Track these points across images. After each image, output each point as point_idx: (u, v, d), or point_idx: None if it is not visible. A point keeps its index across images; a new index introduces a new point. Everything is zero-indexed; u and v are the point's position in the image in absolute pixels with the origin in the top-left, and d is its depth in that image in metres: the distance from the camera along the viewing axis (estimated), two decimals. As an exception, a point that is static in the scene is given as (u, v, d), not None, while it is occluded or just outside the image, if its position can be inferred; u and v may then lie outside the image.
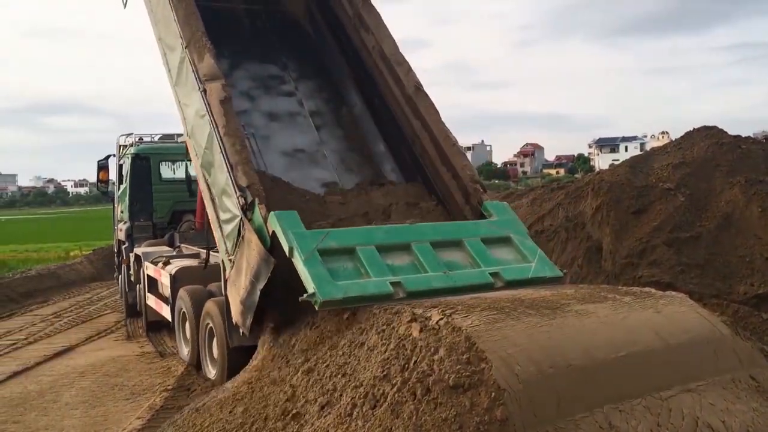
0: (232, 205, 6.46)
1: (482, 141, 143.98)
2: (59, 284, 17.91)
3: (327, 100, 9.11)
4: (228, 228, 6.64)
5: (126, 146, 13.32)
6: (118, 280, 14.02)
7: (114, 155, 14.06)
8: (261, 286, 5.85)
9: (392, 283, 5.52)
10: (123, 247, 12.80)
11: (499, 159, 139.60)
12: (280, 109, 8.83)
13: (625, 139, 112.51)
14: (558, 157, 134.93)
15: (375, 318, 4.58)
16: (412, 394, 3.64)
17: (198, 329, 8.07)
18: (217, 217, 6.92)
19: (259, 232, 6.00)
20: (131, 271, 11.92)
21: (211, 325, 7.60)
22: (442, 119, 7.68)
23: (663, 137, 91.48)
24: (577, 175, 74.04)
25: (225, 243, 6.75)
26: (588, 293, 4.94)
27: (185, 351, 8.82)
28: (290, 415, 4.42)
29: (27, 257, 25.66)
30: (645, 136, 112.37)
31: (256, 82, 9.01)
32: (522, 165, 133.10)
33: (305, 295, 5.42)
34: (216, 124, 6.74)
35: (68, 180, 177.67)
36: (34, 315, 13.66)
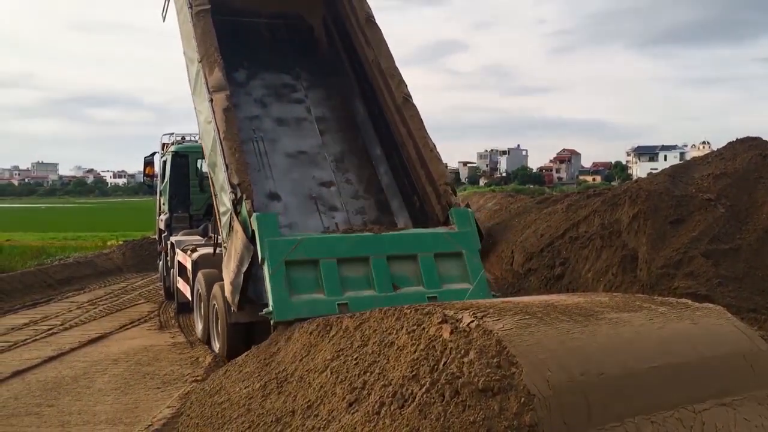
0: (227, 199, 7.45)
1: (518, 145, 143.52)
2: (95, 272, 18.22)
3: (333, 107, 9.91)
4: (224, 219, 7.72)
5: (169, 144, 14.29)
6: (159, 266, 15.05)
7: (158, 152, 15.07)
8: (244, 269, 6.97)
9: (339, 305, 6.70)
10: (163, 236, 13.84)
11: (534, 164, 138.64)
12: (288, 115, 9.64)
13: (664, 148, 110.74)
14: (595, 164, 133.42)
15: (406, 318, 4.57)
16: (440, 396, 3.62)
17: (208, 308, 9.01)
18: (218, 209, 8.06)
19: (244, 224, 7.02)
20: (168, 258, 12.89)
21: (216, 305, 8.50)
22: (426, 127, 8.56)
23: (704, 147, 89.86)
24: (613, 183, 73.13)
25: (222, 232, 7.92)
26: (623, 302, 4.87)
27: (200, 328, 9.82)
28: (317, 410, 4.43)
29: (65, 245, 26.13)
30: (685, 146, 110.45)
31: (270, 90, 9.87)
32: (558, 171, 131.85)
33: (264, 311, 6.74)
34: (218, 130, 7.71)
35: (107, 171, 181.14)
36: (70, 302, 13.93)
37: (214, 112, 7.90)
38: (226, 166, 7.45)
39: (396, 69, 8.95)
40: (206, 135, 8.36)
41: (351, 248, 7.20)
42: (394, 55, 9.14)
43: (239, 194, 7.18)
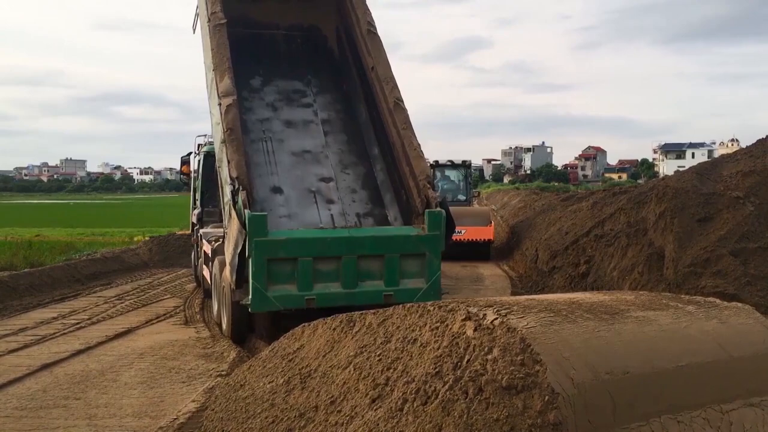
0: (228, 191, 8.40)
1: (543, 143, 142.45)
2: (122, 268, 18.43)
3: (338, 110, 10.85)
4: (226, 208, 8.73)
5: (202, 145, 15.32)
6: (192, 257, 16.22)
7: (193, 152, 16.12)
8: (239, 251, 7.99)
9: (307, 299, 8.18)
10: (195, 228, 15.03)
11: (559, 161, 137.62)
12: (297, 118, 10.58)
13: (692, 146, 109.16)
14: (621, 162, 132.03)
15: (429, 315, 4.56)
16: (463, 393, 3.61)
17: (220, 290, 10.01)
18: (222, 200, 9.08)
19: (239, 212, 7.98)
20: (198, 248, 14.06)
21: (224, 286, 9.49)
22: (413, 127, 9.42)
23: (732, 144, 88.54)
24: (640, 181, 72.32)
25: (224, 219, 8.99)
26: (649, 300, 4.81)
27: (215, 310, 10.77)
28: (340, 406, 4.44)
29: (93, 240, 26.46)
30: (713, 143, 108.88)
31: (282, 95, 10.83)
32: (583, 168, 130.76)
33: (243, 301, 8.30)
34: (224, 130, 8.62)
35: (134, 167, 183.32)
36: (98, 296, 14.12)
37: (221, 114, 8.75)
38: (228, 161, 8.37)
39: (391, 76, 9.77)
40: (216, 135, 9.36)
41: (327, 248, 8.30)
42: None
43: (237, 186, 8.12)
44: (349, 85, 10.99)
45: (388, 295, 8.35)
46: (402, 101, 9.54)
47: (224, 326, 9.86)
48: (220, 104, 8.86)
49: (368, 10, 10.42)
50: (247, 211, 7.88)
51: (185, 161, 16.60)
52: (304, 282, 8.16)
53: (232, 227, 8.28)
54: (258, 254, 7.91)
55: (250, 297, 8.06)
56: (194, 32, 11.40)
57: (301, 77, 11.13)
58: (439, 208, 8.60)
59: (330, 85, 11.16)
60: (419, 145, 9.25)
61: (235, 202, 8.13)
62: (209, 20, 9.79)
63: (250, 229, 7.82)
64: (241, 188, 8.09)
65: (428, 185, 8.84)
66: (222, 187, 9.06)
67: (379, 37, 10.16)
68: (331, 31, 11.50)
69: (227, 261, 8.64)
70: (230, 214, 8.32)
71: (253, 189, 8.95)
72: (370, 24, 10.23)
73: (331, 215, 9.39)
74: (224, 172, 8.69)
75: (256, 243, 7.86)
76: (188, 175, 16.67)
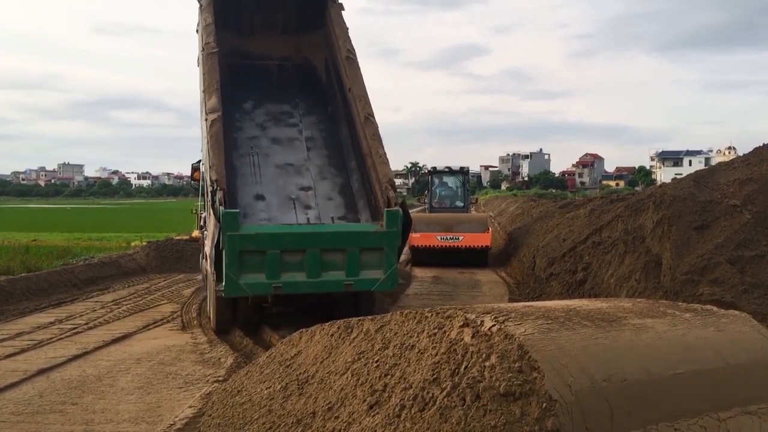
0: (209, 193, 9.38)
1: (540, 150, 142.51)
2: (119, 273, 18.37)
3: (322, 129, 12.06)
4: (207, 207, 9.77)
5: None
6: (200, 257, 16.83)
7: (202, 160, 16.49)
8: (215, 243, 9.01)
9: (274, 286, 9.10)
10: (202, 230, 15.44)
11: (557, 168, 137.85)
12: (283, 136, 11.75)
13: (689, 153, 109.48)
14: (618, 169, 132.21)
15: (427, 321, 4.56)
16: (461, 400, 3.61)
17: (208, 283, 11.01)
18: (206, 200, 10.22)
19: (216, 210, 8.96)
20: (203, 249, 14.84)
21: (212, 279, 10.16)
22: (381, 138, 10.50)
23: (730, 152, 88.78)
24: (637, 188, 72.44)
25: (207, 218, 10.15)
26: (646, 307, 4.82)
27: (208, 305, 11.58)
28: (338, 412, 4.44)
29: (90, 245, 26.41)
30: (710, 151, 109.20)
31: (270, 116, 12.10)
32: (580, 175, 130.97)
33: (217, 287, 9.27)
34: (207, 141, 9.78)
35: (132, 172, 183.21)
36: (94, 301, 14.09)
37: (206, 128, 9.89)
38: (209, 167, 9.41)
39: (364, 94, 10.90)
40: (203, 146, 10.53)
41: (293, 242, 9.21)
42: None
43: (215, 187, 9.09)
44: (333, 107, 12.11)
45: (348, 284, 9.31)
46: (372, 116, 10.62)
47: (211, 317, 10.76)
48: (206, 119, 9.97)
49: (349, 39, 11.74)
50: (221, 208, 8.78)
51: (195, 168, 17.00)
52: (272, 271, 9.02)
53: (210, 222, 9.21)
54: (231, 247, 8.77)
55: (223, 286, 8.96)
56: (198, 65, 12.49)
57: (289, 100, 12.36)
58: (397, 208, 9.40)
59: (316, 108, 12.33)
60: (385, 153, 10.29)
61: (213, 201, 9.07)
62: (203, 49, 11.09)
63: (224, 225, 8.67)
64: (218, 189, 9.03)
65: (390, 187, 9.75)
66: (206, 190, 10.08)
67: (357, 62, 11.43)
68: (320, 62, 12.78)
69: (207, 253, 9.63)
70: (209, 213, 9.19)
71: (237, 196, 10.14)
72: (350, 51, 11.50)
73: (308, 218, 10.30)
74: (207, 178, 9.74)
75: (229, 237, 8.72)
76: (198, 180, 17.02)
